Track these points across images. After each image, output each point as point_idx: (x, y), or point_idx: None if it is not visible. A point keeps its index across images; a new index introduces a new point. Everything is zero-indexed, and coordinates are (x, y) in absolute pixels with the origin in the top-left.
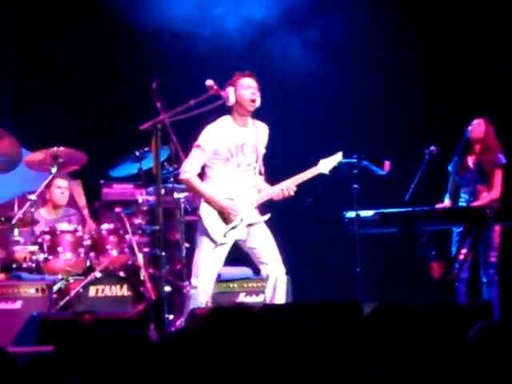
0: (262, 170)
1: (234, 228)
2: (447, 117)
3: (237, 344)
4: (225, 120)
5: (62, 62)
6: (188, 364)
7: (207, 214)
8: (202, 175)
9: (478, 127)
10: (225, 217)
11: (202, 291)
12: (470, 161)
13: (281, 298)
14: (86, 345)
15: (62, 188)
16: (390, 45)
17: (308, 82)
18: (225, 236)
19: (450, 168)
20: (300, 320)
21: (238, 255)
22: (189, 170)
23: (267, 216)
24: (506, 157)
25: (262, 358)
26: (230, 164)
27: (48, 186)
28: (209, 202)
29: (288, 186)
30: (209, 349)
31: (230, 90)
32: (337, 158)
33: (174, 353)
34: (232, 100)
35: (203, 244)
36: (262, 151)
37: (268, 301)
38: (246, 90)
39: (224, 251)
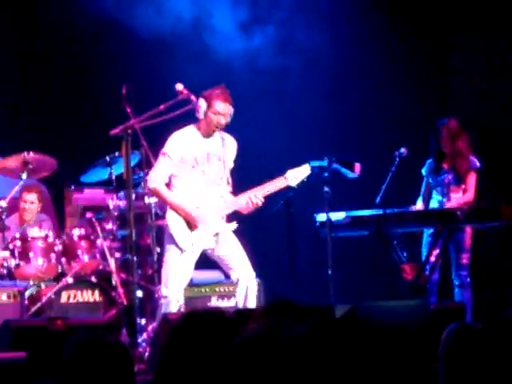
0: (230, 182)
1: (200, 236)
2: (418, 118)
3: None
4: (191, 129)
5: (32, 68)
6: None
7: (174, 222)
8: (168, 184)
9: (446, 131)
10: (191, 225)
11: (173, 300)
12: (445, 163)
13: (252, 302)
14: (58, 351)
15: (27, 202)
16: (363, 48)
17: (278, 83)
18: (192, 244)
19: (423, 171)
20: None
21: (209, 259)
22: (156, 178)
23: (234, 224)
24: (478, 158)
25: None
26: (195, 173)
27: (18, 196)
28: (175, 209)
29: (256, 196)
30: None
31: (202, 104)
32: (305, 170)
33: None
34: (201, 116)
35: (171, 252)
36: (230, 164)
37: (240, 305)
38: (217, 116)
39: (192, 259)
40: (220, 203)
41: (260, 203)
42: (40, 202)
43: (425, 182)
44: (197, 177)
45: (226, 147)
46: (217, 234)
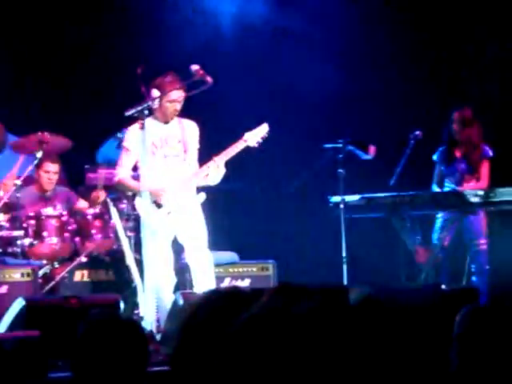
0: (197, 165)
1: (170, 206)
2: (433, 101)
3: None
4: (147, 120)
5: (47, 48)
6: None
7: (142, 206)
8: (137, 177)
9: (459, 119)
10: (158, 202)
11: (164, 282)
12: (457, 151)
13: (211, 281)
14: (72, 329)
15: (50, 173)
16: (377, 33)
17: (292, 70)
18: (168, 213)
19: (435, 157)
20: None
21: (223, 240)
22: (119, 172)
23: (202, 195)
24: (490, 147)
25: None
26: (157, 158)
27: (37, 167)
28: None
29: (215, 161)
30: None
31: (155, 93)
32: (263, 129)
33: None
34: (155, 106)
35: (146, 237)
36: (195, 146)
37: (195, 287)
38: (172, 103)
39: (165, 238)
40: (183, 176)
41: (222, 169)
42: (60, 173)
43: (437, 169)
44: (159, 161)
45: (186, 130)
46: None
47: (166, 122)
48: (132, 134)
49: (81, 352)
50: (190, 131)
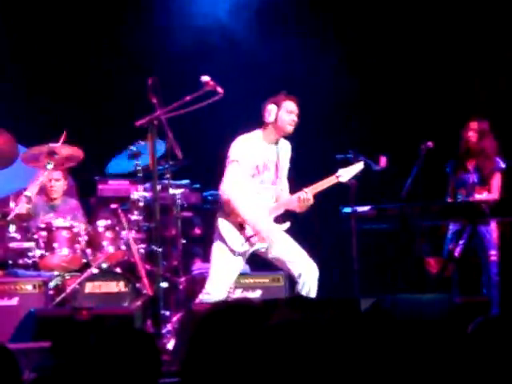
0: (287, 185)
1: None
2: (444, 112)
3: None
4: (258, 135)
5: (58, 59)
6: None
7: (225, 226)
8: None
9: (473, 132)
10: (242, 226)
11: (214, 298)
12: (469, 163)
13: (313, 293)
14: (83, 341)
15: (52, 180)
16: (389, 38)
17: (304, 78)
18: (242, 245)
19: (447, 169)
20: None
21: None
22: (226, 188)
23: (286, 224)
24: (504, 159)
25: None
26: (254, 182)
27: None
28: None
29: (306, 193)
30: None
31: (273, 108)
32: (358, 167)
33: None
34: (271, 119)
35: (221, 252)
36: (287, 166)
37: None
38: (289, 114)
39: (241, 261)
40: (271, 204)
41: (311, 201)
42: (65, 179)
43: (450, 180)
44: (255, 185)
45: (281, 152)
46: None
47: (271, 143)
48: (244, 148)
49: (92, 361)
50: (285, 153)
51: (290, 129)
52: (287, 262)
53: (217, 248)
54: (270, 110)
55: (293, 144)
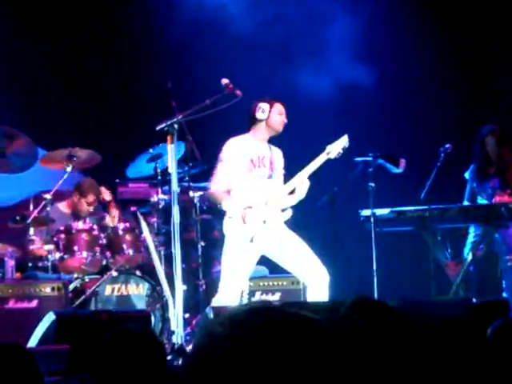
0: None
1: (255, 229)
2: (463, 114)
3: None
4: (245, 136)
5: (77, 62)
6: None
7: (232, 223)
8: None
9: (495, 137)
10: (246, 221)
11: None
12: (490, 168)
13: (324, 299)
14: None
15: (92, 205)
16: (409, 42)
17: (322, 83)
18: (251, 241)
19: (466, 175)
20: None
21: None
22: (213, 184)
23: (288, 212)
24: None
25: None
26: (251, 175)
27: (80, 194)
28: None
29: (301, 177)
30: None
31: (266, 106)
32: (343, 141)
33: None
34: (264, 116)
35: (231, 255)
36: (281, 171)
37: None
38: (279, 115)
39: (251, 260)
40: (273, 196)
41: (307, 183)
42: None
43: (469, 186)
44: (252, 179)
45: (274, 154)
46: (278, 238)
47: (262, 140)
48: (232, 147)
49: (101, 365)
50: (277, 157)
51: (280, 128)
52: (297, 268)
53: (228, 250)
54: (263, 108)
55: (309, 147)
